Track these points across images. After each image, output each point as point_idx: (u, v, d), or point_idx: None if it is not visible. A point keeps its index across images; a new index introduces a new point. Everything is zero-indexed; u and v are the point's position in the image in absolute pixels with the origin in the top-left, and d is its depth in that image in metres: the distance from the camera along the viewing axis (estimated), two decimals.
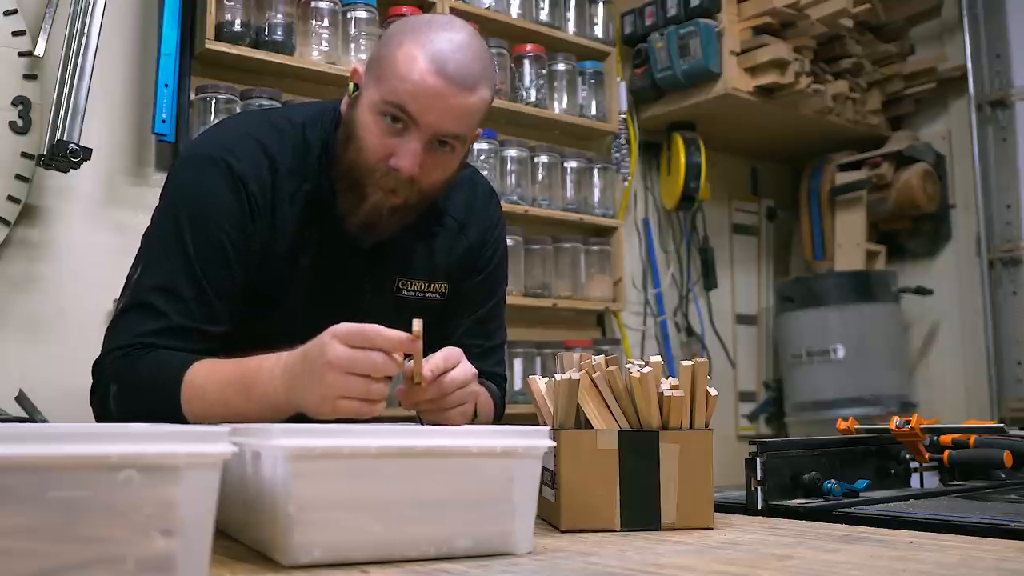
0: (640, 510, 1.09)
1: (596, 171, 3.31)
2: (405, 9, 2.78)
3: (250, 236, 1.32)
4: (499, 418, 1.51)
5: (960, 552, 0.92)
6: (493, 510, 0.91)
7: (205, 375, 1.22)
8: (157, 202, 1.38)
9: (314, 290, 1.39)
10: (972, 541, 0.99)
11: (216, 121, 2.29)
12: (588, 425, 1.12)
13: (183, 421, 1.20)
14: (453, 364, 1.16)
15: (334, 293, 1.40)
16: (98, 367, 1.30)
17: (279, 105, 2.45)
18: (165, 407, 1.20)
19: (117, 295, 1.39)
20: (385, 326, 1.41)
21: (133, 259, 1.44)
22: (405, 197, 1.31)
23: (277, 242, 1.35)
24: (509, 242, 3.01)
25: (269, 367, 1.16)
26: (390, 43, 1.29)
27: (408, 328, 1.45)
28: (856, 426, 1.52)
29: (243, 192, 1.31)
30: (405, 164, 1.27)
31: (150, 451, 0.71)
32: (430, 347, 1.46)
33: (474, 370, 1.20)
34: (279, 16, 2.58)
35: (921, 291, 3.74)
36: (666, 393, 1.11)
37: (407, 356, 1.10)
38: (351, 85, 1.35)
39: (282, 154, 1.35)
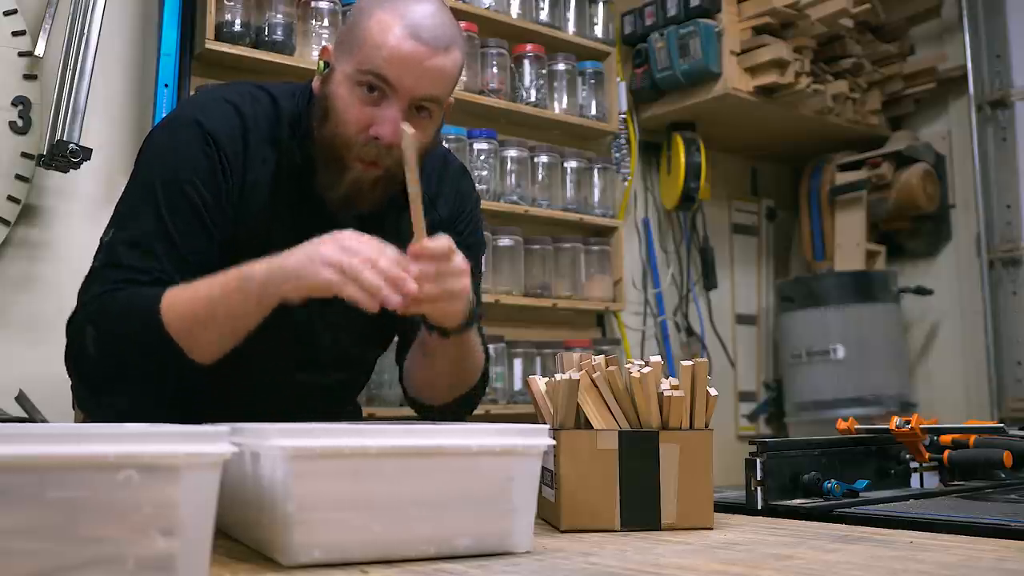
0: (640, 510, 1.09)
1: (596, 171, 3.31)
2: None
3: (222, 192, 1.31)
4: (482, 390, 1.51)
5: (960, 552, 0.92)
6: (493, 509, 0.91)
7: (183, 290, 1.21)
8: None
9: None
10: (972, 541, 0.99)
11: None
12: (588, 425, 1.12)
13: (166, 343, 1.19)
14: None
15: None
16: (71, 323, 1.29)
17: None
18: (146, 332, 1.19)
19: None
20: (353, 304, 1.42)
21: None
22: (386, 167, 1.31)
23: (250, 209, 1.34)
24: (509, 242, 3.02)
25: (250, 265, 1.18)
26: (360, 16, 1.30)
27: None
28: (856, 426, 1.52)
29: (214, 148, 1.31)
30: (385, 132, 1.27)
31: (149, 451, 0.71)
32: (399, 328, 1.46)
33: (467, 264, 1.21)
34: (279, 16, 2.58)
35: (921, 291, 3.74)
36: (666, 393, 1.11)
37: None
38: (321, 63, 1.36)
39: (254, 118, 1.35)
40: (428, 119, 1.32)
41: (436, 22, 1.28)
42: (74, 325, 1.29)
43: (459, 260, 1.18)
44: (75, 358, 1.28)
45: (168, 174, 1.30)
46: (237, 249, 1.34)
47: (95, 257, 1.34)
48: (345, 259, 1.10)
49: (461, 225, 1.53)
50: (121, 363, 1.24)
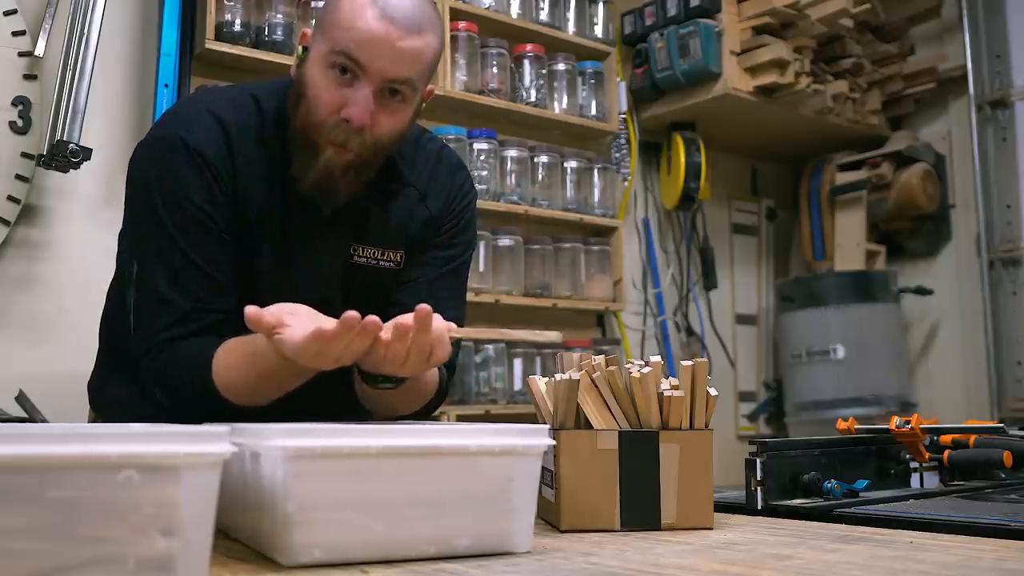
0: (640, 510, 1.09)
1: (596, 171, 3.31)
2: None
3: (220, 203, 1.32)
4: (436, 406, 1.47)
5: (960, 552, 0.92)
6: (493, 509, 0.91)
7: (230, 360, 1.26)
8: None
9: (280, 257, 1.38)
10: (972, 541, 0.99)
11: None
12: (588, 425, 1.12)
13: (223, 401, 1.25)
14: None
15: (298, 261, 1.39)
16: (140, 368, 1.33)
17: None
18: (204, 396, 1.25)
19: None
20: (338, 292, 1.42)
21: (121, 246, 1.46)
22: (357, 151, 1.29)
23: (245, 209, 1.34)
24: (509, 242, 3.02)
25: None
26: None
27: (361, 295, 1.43)
28: (856, 426, 1.52)
29: (202, 163, 1.31)
30: (355, 113, 1.26)
31: (150, 451, 0.71)
32: (387, 315, 1.45)
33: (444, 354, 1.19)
34: (279, 16, 2.58)
35: (921, 291, 3.74)
36: (666, 393, 1.11)
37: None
38: (300, 48, 1.35)
39: (237, 122, 1.34)
40: (401, 103, 1.30)
41: (410, 3, 1.27)
42: (144, 380, 1.33)
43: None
44: (154, 406, 1.32)
45: (168, 198, 1.30)
46: (242, 248, 1.35)
47: (116, 281, 1.34)
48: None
49: (451, 222, 1.50)
50: (192, 406, 1.29)
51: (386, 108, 1.29)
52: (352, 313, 1.06)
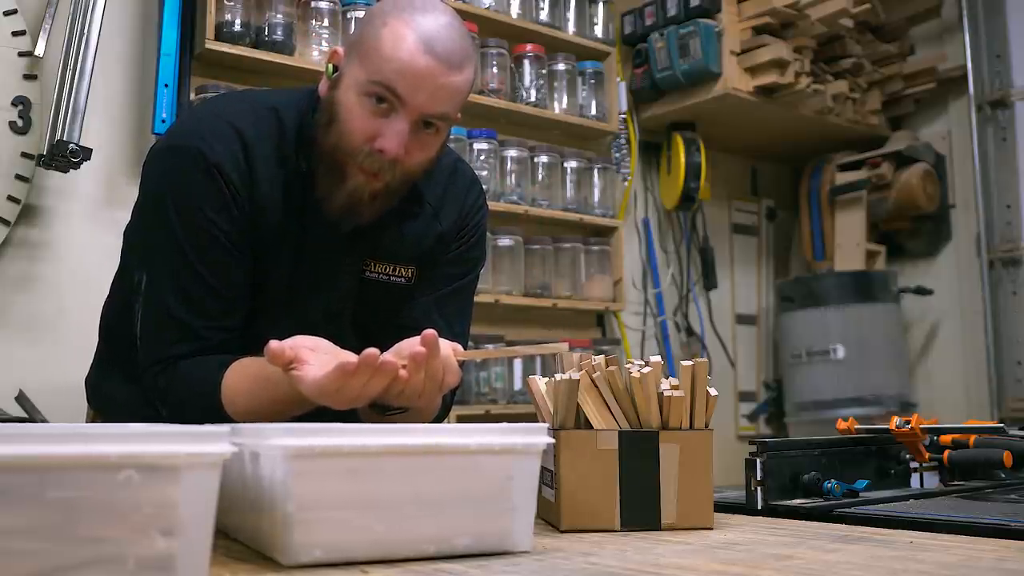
0: (640, 510, 1.09)
1: (596, 171, 3.31)
2: None
3: (236, 219, 1.31)
4: (440, 421, 1.47)
5: (960, 552, 0.92)
6: (492, 508, 0.91)
7: (239, 381, 1.26)
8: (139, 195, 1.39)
9: (294, 271, 1.38)
10: (972, 541, 0.98)
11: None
12: (588, 425, 1.12)
13: (228, 419, 1.24)
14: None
15: (312, 275, 1.38)
16: (143, 380, 1.33)
17: None
18: (209, 412, 1.23)
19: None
20: (348, 307, 1.41)
21: (127, 251, 1.45)
22: (387, 180, 1.29)
23: (261, 224, 1.33)
24: (509, 242, 3.02)
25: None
26: (373, 22, 1.27)
27: (369, 309, 1.41)
28: (856, 426, 1.52)
29: (219, 178, 1.29)
30: (390, 146, 1.24)
31: (150, 451, 0.71)
32: (395, 330, 1.45)
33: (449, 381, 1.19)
34: (279, 16, 2.58)
35: (921, 291, 3.74)
36: (666, 393, 1.11)
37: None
38: (330, 67, 1.33)
39: (256, 135, 1.32)
40: (434, 135, 1.29)
41: (451, 36, 1.25)
42: (148, 391, 1.33)
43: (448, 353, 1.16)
44: (158, 415, 1.33)
45: (182, 212, 1.29)
46: (254, 261, 1.34)
47: (139, 301, 1.34)
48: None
49: (464, 237, 1.50)
50: (196, 423, 1.29)
51: (419, 139, 1.28)
52: (372, 351, 1.05)
